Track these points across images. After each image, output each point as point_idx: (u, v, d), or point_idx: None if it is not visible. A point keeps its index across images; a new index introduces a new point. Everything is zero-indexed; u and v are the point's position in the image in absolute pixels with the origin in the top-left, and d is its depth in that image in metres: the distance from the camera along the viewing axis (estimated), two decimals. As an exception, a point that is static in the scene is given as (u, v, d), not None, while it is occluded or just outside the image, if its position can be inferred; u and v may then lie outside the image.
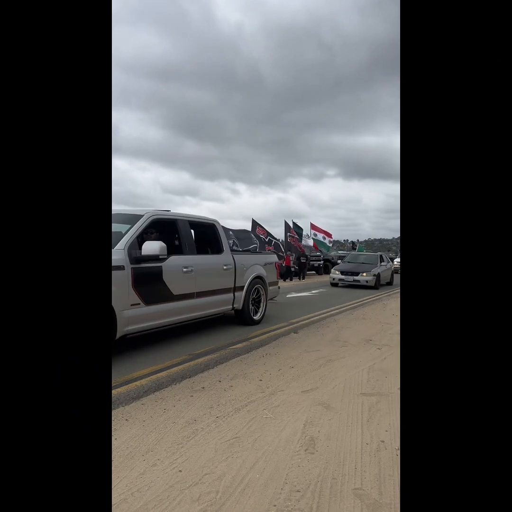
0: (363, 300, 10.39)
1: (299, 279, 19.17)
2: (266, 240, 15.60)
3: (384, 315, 8.08)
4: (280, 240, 16.61)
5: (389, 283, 15.91)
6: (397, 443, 2.67)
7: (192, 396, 3.50)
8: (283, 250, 17.20)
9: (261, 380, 3.95)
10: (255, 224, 15.54)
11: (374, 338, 5.91)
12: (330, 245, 22.40)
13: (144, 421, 3.01)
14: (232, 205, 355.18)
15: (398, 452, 2.55)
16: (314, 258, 22.71)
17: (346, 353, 5.05)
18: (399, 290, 12.69)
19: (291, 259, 17.81)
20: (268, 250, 15.65)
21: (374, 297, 11.19)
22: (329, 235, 18.98)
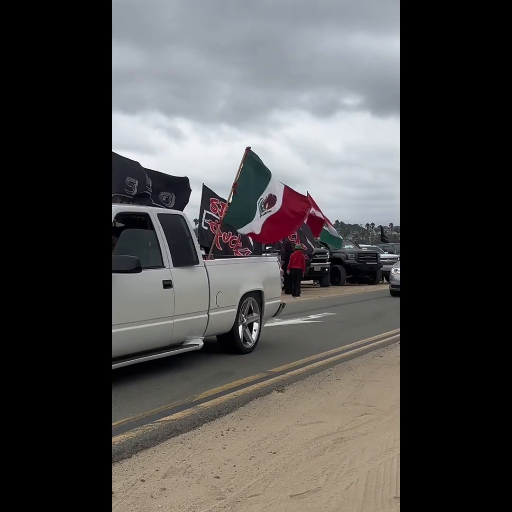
0: (399, 333, 10.49)
1: (293, 295, 19.43)
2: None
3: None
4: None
5: None
6: None
7: (92, 508, 3.48)
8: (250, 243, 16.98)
9: (218, 477, 3.96)
10: (207, 193, 15.43)
11: (419, 400, 5.98)
12: (340, 237, 22.58)
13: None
14: (168, 159, 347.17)
15: None
16: (317, 258, 22.71)
17: (370, 426, 5.11)
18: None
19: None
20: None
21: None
22: (329, 222, 19.38)
